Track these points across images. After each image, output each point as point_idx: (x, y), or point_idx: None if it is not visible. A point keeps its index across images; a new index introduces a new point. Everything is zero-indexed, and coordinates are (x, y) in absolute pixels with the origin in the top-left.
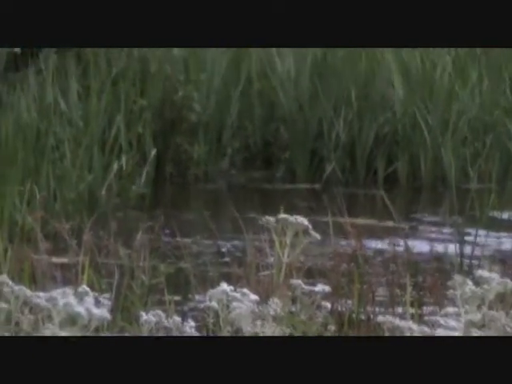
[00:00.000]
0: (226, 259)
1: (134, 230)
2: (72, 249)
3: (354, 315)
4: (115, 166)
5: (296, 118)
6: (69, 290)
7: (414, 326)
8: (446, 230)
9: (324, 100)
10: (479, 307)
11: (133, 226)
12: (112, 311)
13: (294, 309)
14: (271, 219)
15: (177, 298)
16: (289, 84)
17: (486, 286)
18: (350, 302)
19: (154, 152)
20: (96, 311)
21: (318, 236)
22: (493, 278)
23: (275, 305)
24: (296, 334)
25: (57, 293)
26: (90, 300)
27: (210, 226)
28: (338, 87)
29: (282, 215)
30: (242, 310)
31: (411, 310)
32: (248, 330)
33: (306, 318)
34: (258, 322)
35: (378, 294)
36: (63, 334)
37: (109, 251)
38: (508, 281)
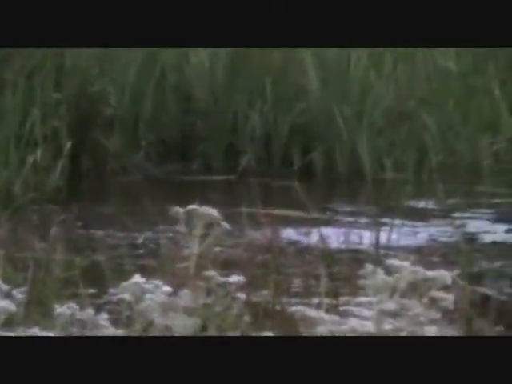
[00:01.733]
0: (141, 251)
1: (51, 224)
2: None
3: (269, 306)
4: (30, 160)
5: (211, 110)
6: None
7: (326, 316)
8: (362, 220)
9: (239, 92)
10: (391, 296)
11: (49, 219)
12: (27, 304)
13: (209, 300)
14: (180, 210)
15: (92, 291)
16: (203, 77)
17: (397, 275)
18: (265, 292)
19: (69, 145)
20: (1, 303)
21: (227, 226)
22: (404, 266)
23: (186, 296)
24: (210, 326)
25: None
26: None
27: (125, 218)
28: (252, 79)
29: (191, 206)
30: (152, 301)
31: (326, 301)
32: (159, 322)
33: (221, 310)
34: (170, 314)
35: (294, 285)
36: None
37: (25, 245)
38: (419, 269)
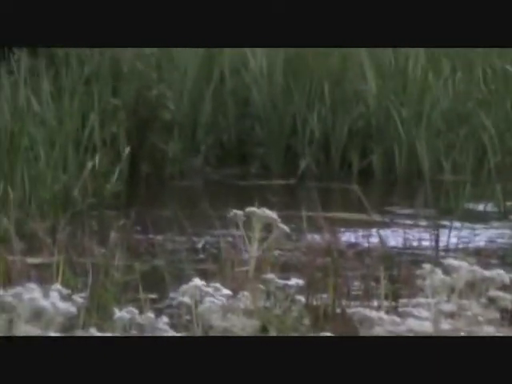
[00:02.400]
0: (202, 256)
1: (110, 229)
2: (47, 248)
3: (329, 308)
4: (89, 165)
5: (270, 114)
6: (33, 285)
7: (384, 316)
8: (421, 222)
9: (297, 96)
10: (449, 296)
11: (108, 224)
12: (87, 308)
13: (268, 303)
14: (239, 212)
15: (152, 295)
16: (262, 81)
17: (454, 275)
18: (325, 295)
19: (127, 150)
20: (62, 306)
21: (286, 229)
22: (462, 266)
23: (245, 298)
24: (271, 329)
25: (22, 288)
26: (55, 295)
27: (184, 223)
28: (310, 82)
29: (250, 208)
30: (211, 304)
31: (386, 303)
32: (218, 324)
33: (280, 312)
34: (229, 316)
35: (354, 288)
36: (29, 329)
37: (84, 250)
38: (477, 269)
